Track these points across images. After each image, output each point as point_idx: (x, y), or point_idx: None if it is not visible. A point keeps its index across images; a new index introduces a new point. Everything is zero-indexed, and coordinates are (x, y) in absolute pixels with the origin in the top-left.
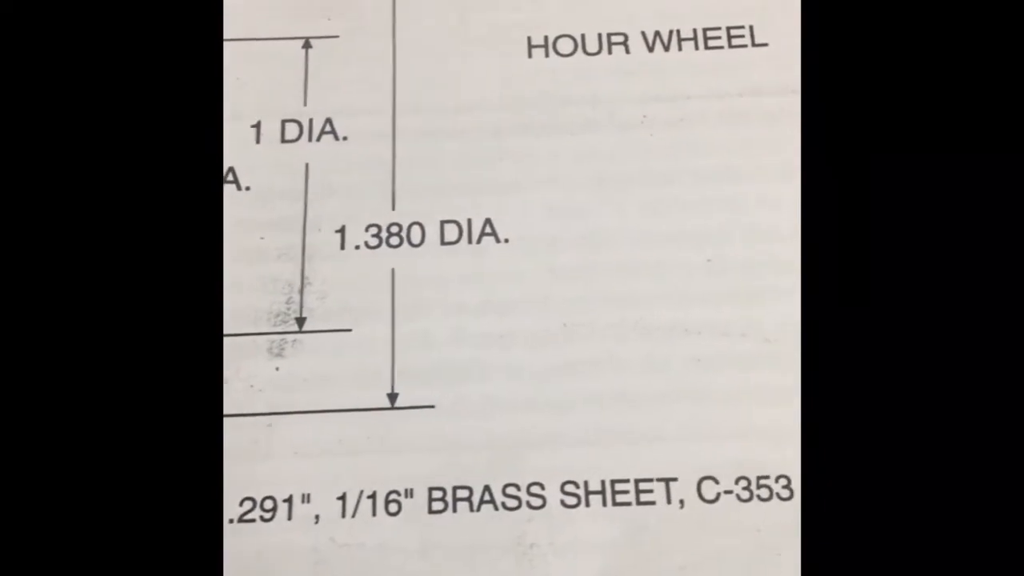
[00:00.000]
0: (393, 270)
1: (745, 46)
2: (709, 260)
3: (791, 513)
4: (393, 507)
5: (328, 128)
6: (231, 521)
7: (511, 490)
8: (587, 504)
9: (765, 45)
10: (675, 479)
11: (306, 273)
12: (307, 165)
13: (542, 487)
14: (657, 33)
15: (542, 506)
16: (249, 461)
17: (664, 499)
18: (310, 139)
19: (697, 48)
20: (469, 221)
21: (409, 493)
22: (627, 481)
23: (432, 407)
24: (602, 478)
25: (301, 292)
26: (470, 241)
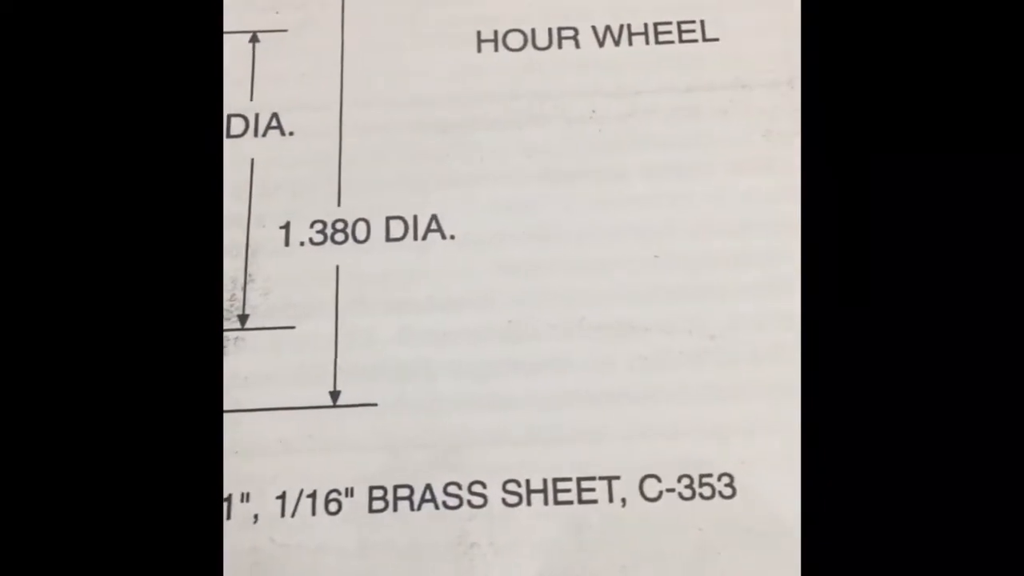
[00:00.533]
0: (338, 267)
1: (696, 41)
2: (656, 256)
3: (733, 512)
4: (333, 506)
5: (274, 123)
6: None
7: (452, 489)
8: (528, 503)
9: (716, 40)
10: (617, 477)
11: (249, 270)
12: (252, 160)
13: (484, 486)
14: (608, 27)
15: (483, 505)
16: None
17: (606, 498)
18: (256, 134)
19: (648, 43)
20: (415, 217)
21: (349, 492)
22: (569, 479)
23: (375, 405)
24: (544, 476)
25: (244, 289)
26: (416, 238)
